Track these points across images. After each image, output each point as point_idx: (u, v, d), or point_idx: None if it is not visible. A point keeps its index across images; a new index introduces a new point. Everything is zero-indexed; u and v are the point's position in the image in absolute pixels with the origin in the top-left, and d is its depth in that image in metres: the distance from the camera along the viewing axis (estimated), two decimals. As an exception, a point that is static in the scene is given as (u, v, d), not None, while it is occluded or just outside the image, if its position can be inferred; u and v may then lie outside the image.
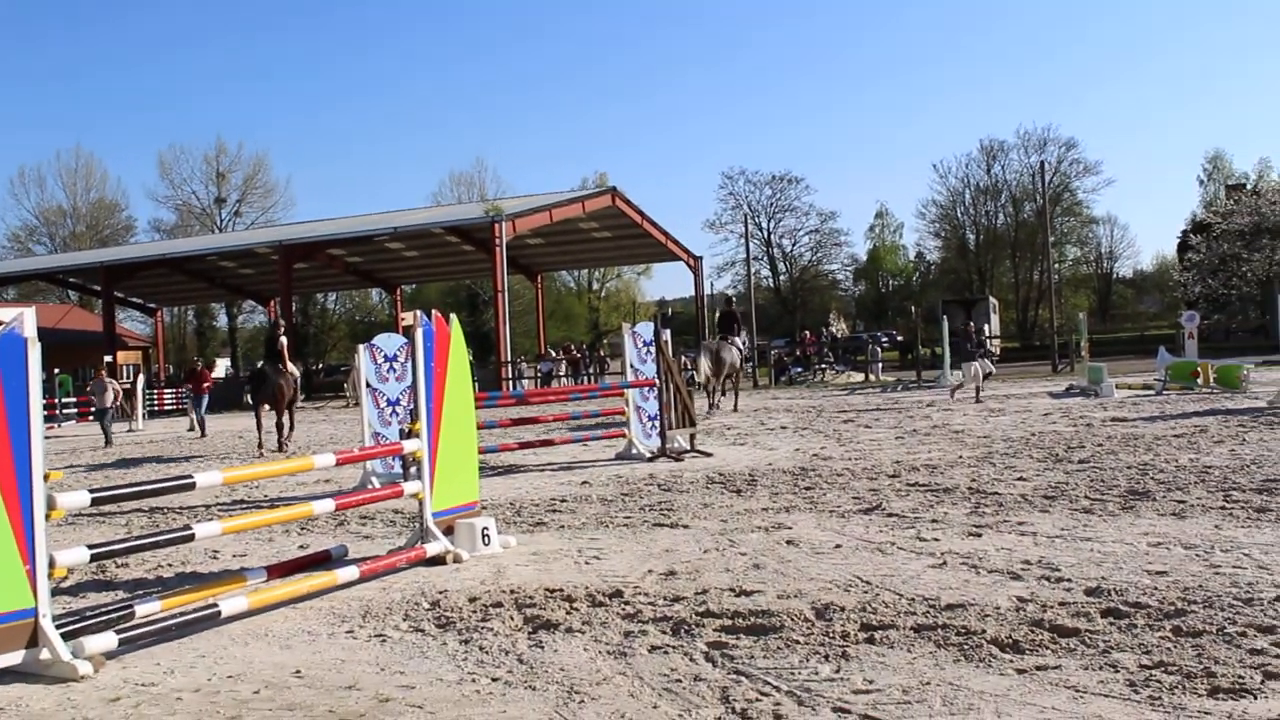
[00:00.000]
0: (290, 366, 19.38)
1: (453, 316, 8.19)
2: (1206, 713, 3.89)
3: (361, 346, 12.80)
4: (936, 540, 7.32)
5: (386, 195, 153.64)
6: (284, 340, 19.36)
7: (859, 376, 37.91)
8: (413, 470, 7.81)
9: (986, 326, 52.99)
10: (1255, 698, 4.00)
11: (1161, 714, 3.90)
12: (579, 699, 4.39)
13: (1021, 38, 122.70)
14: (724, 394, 24.42)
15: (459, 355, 7.96)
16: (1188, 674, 4.27)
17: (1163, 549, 6.73)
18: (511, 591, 6.34)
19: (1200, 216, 67.58)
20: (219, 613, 5.75)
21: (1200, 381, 22.01)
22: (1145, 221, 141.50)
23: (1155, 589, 5.65)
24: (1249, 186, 66.42)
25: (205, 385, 27.84)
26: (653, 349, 14.03)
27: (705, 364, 22.40)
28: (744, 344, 25.85)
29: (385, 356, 12.37)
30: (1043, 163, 67.53)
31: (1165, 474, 10.00)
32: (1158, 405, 18.74)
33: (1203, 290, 55.90)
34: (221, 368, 69.62)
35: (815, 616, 5.39)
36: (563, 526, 8.79)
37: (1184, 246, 66.04)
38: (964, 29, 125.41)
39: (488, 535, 7.67)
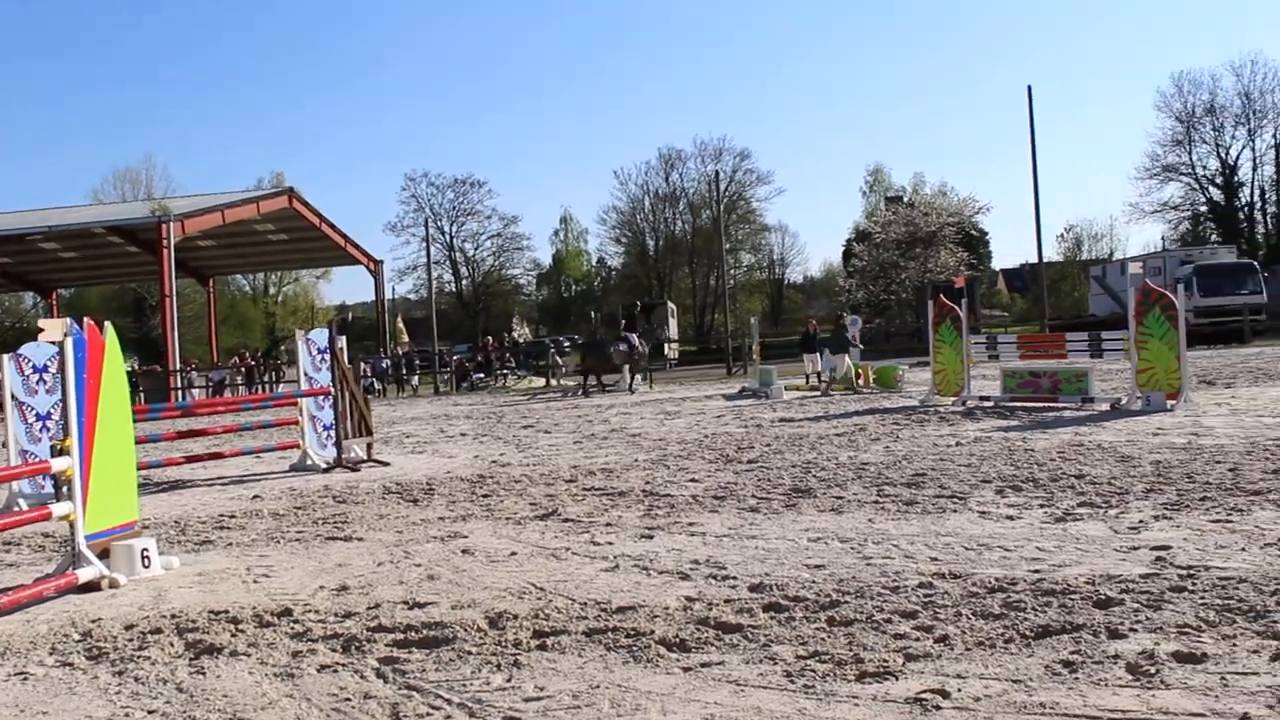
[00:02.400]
0: None
1: (107, 324, 7.71)
2: (855, 696, 4.13)
3: (6, 357, 11.85)
4: (610, 544, 7.47)
5: (41, 192, 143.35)
6: None
7: (540, 382, 38.23)
8: (64, 490, 7.30)
9: (665, 331, 54.59)
10: (898, 678, 4.29)
11: (815, 701, 4.12)
12: (241, 726, 4.22)
13: (691, 42, 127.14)
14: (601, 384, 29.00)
15: (114, 365, 7.50)
16: (839, 661, 4.53)
17: (821, 544, 7.11)
18: (173, 616, 6.03)
19: (863, 226, 71.84)
20: None
21: (861, 382, 23.38)
22: (814, 230, 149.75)
23: (813, 582, 5.96)
24: (905, 199, 71.21)
25: None
26: (328, 356, 13.69)
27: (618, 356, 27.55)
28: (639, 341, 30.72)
29: (34, 367, 11.50)
30: (718, 172, 70.25)
31: (826, 471, 10.57)
32: (822, 406, 19.79)
33: (865, 295, 59.46)
34: None
35: (489, 626, 5.38)
36: (231, 544, 8.44)
37: (848, 254, 70.13)
38: (639, 28, 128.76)
39: (148, 557, 7.27)
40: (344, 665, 4.91)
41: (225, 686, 4.71)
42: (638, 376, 30.20)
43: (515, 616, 5.53)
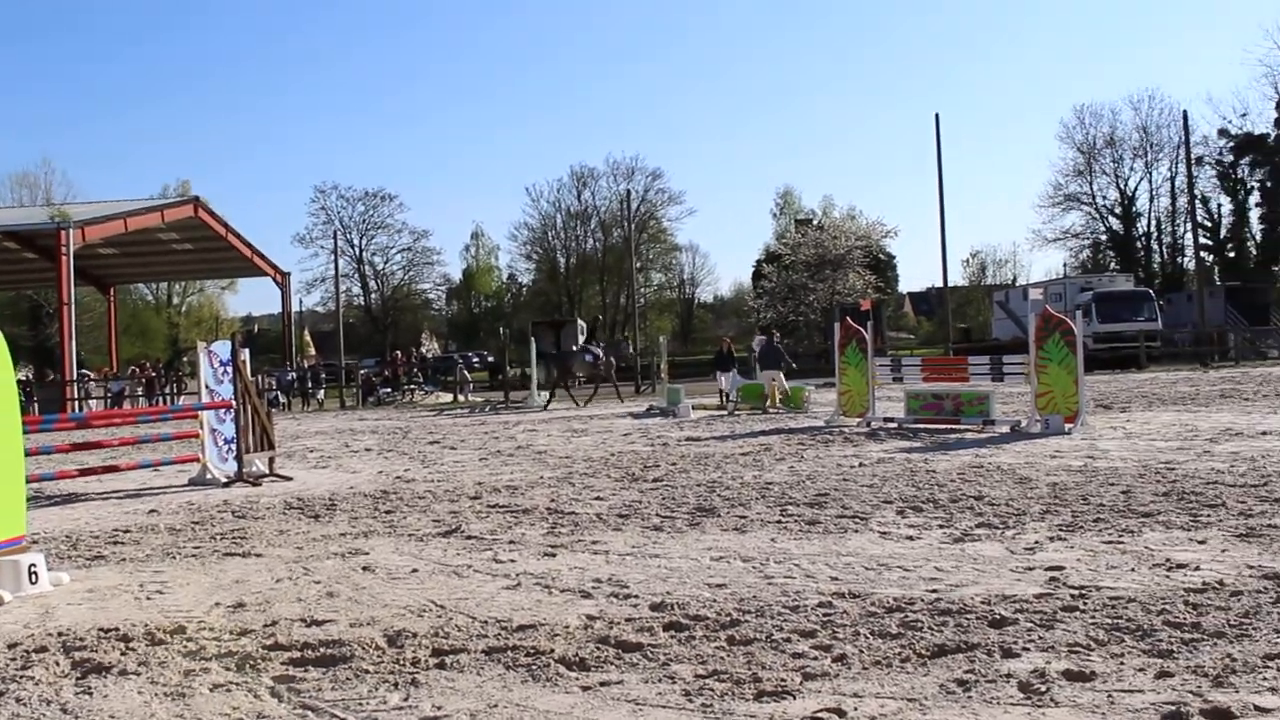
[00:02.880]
0: None
1: (-3, 334, 7.50)
2: (752, 715, 4.15)
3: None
4: (513, 561, 7.43)
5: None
6: None
7: (448, 397, 37.97)
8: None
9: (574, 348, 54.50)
10: (795, 697, 4.32)
11: (712, 719, 4.13)
12: (128, 746, 4.12)
13: (605, 60, 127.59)
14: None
15: (3, 374, 7.30)
16: (737, 680, 4.54)
17: (724, 563, 7.13)
18: (60, 634, 5.86)
19: (772, 247, 72.53)
20: None
21: (768, 402, 23.54)
22: (724, 250, 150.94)
23: (714, 601, 5.98)
24: (815, 221, 72.05)
25: None
26: (230, 369, 13.46)
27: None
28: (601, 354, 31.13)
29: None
30: (629, 191, 70.44)
31: (731, 491, 10.62)
32: (729, 425, 19.90)
33: (774, 316, 59.96)
34: None
35: (387, 644, 5.32)
36: (124, 560, 8.24)
37: (758, 275, 70.81)
38: (555, 45, 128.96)
39: (35, 573, 7.06)
40: (237, 684, 4.81)
41: (112, 707, 4.59)
42: (556, 393, 30.34)
43: (414, 635, 5.47)
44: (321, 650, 5.24)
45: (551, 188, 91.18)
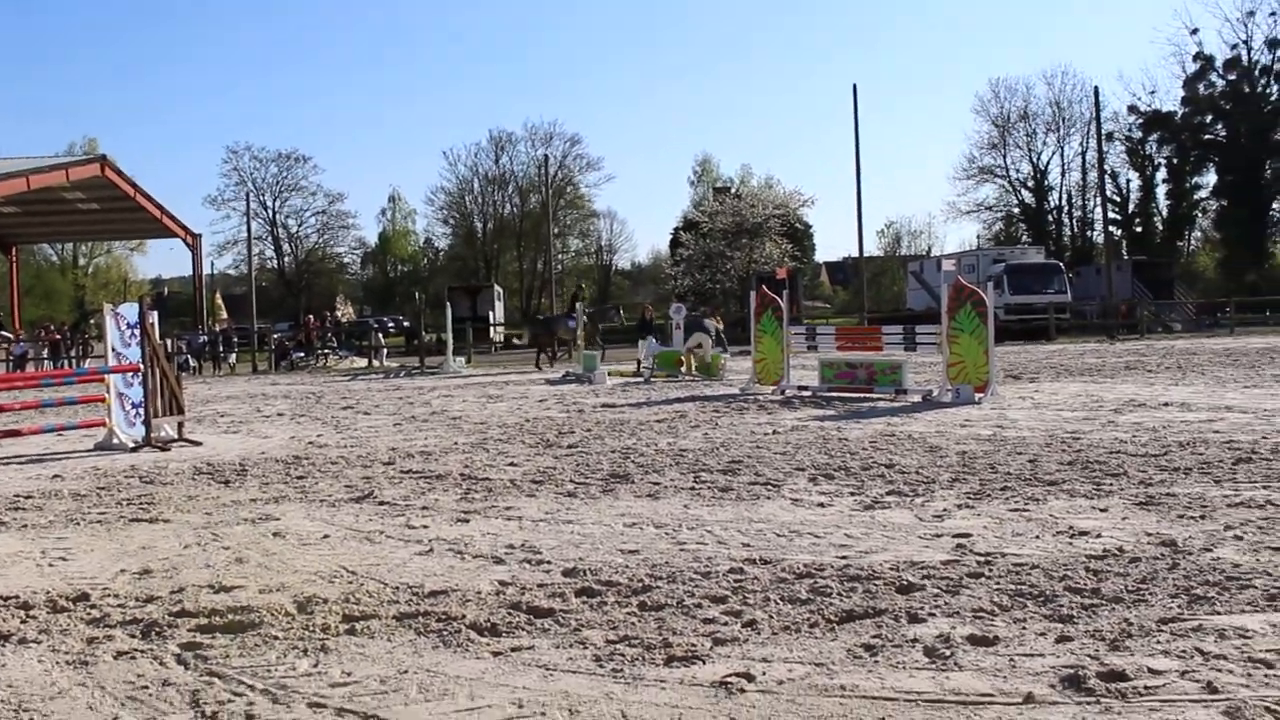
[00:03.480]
0: None
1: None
2: (662, 680, 4.19)
3: None
4: (426, 527, 7.40)
5: None
6: None
7: (363, 362, 37.62)
8: None
9: (491, 314, 54.27)
10: (704, 662, 4.36)
11: (622, 685, 4.15)
12: (28, 717, 4.04)
13: (523, 26, 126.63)
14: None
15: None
16: (648, 645, 4.57)
17: (637, 529, 7.17)
18: (-43, 601, 5.73)
19: (690, 215, 72.65)
20: None
21: (684, 369, 23.62)
22: (642, 217, 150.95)
23: (627, 567, 6.01)
24: (733, 190, 72.30)
25: None
26: (138, 332, 13.20)
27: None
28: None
29: None
30: (547, 156, 70.10)
31: (645, 457, 10.65)
32: (645, 392, 19.94)
33: (691, 284, 60.14)
34: None
35: (297, 610, 5.27)
36: (26, 525, 8.06)
37: (675, 243, 70.91)
38: (474, 9, 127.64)
39: (-67, 538, 6.90)
40: (142, 652, 4.74)
41: (11, 676, 4.49)
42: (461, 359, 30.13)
43: (325, 601, 5.43)
44: (229, 617, 5.18)
45: (469, 152, 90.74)
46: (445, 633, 4.85)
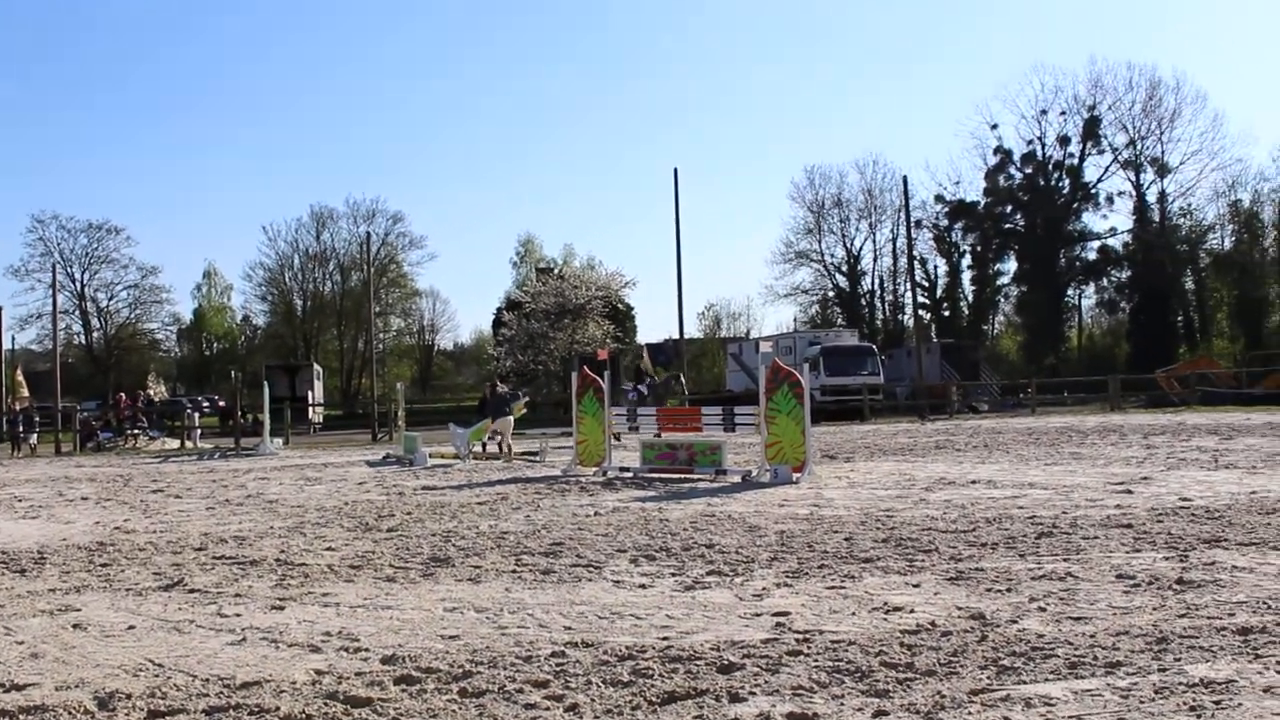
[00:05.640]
0: None
1: None
2: (483, 772, 4.11)
3: None
4: (239, 616, 7.15)
5: None
6: None
7: (175, 443, 36.36)
8: None
9: (310, 393, 53.16)
10: (526, 752, 4.30)
11: (442, 777, 4.07)
12: None
13: (348, 106, 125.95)
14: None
15: None
16: (469, 735, 4.50)
17: (457, 613, 7.06)
18: None
19: (514, 295, 72.84)
20: None
21: (504, 455, 23.49)
22: (465, 297, 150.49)
23: (447, 653, 5.91)
24: (555, 270, 72.79)
25: None
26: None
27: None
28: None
29: None
30: (369, 233, 69.52)
31: (466, 540, 10.53)
32: (466, 474, 19.75)
33: (514, 364, 60.10)
34: None
35: (97, 707, 5.02)
36: None
37: (499, 323, 70.90)
38: (299, 88, 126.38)
39: None
40: (-75, 755, 4.46)
41: None
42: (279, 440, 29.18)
43: (128, 696, 5.18)
44: (22, 717, 4.91)
45: (290, 227, 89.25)
46: (257, 726, 4.68)
